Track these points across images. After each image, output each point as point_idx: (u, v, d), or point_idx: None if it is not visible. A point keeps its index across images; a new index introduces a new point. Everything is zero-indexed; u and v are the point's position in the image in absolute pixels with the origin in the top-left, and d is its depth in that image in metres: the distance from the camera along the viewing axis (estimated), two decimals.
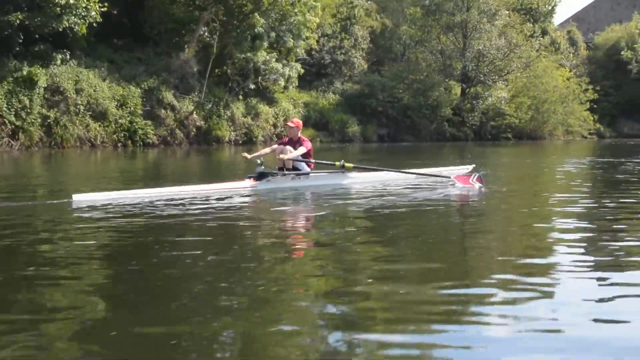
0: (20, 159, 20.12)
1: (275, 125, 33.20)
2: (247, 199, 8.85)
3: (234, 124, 30.96)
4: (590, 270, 4.45)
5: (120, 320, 3.35)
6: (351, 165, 10.13)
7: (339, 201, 8.62)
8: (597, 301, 3.69)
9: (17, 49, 24.27)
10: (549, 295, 3.82)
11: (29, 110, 23.40)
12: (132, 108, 27.22)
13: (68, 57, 25.81)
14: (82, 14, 25.11)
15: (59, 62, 25.47)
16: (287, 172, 9.84)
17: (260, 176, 9.56)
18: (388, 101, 37.67)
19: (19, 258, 4.91)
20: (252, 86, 31.40)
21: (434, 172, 11.28)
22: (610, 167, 16.14)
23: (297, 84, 36.20)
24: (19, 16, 22.95)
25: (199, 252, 5.04)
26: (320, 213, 7.60)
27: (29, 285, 4.06)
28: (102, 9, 25.41)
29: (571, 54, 57.98)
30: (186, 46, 29.80)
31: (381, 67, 41.59)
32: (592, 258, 4.92)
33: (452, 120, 39.99)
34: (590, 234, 5.97)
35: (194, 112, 29.20)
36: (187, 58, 29.70)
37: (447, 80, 41.33)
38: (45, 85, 24.44)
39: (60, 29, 24.57)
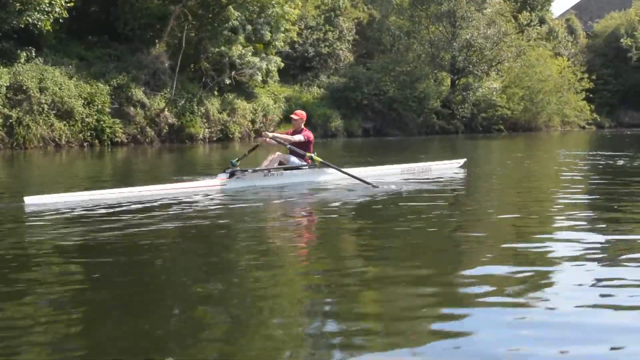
0: None
1: (253, 122, 32.45)
2: (214, 198, 8.58)
3: (209, 121, 30.23)
4: (580, 265, 4.49)
5: (71, 326, 3.33)
6: (319, 159, 10.00)
7: (309, 198, 8.71)
8: (590, 292, 3.81)
9: None
10: (539, 287, 3.93)
11: None
12: (99, 106, 26.55)
13: (33, 54, 25.13)
14: (46, 9, 24.40)
15: (22, 60, 24.81)
16: (258, 169, 9.82)
17: (231, 175, 9.49)
18: (374, 94, 36.85)
19: None
20: (228, 81, 30.64)
21: (415, 168, 11.93)
22: (595, 161, 15.65)
23: (278, 78, 35.50)
24: None
25: (151, 255, 5.01)
26: (287, 211, 7.58)
27: None
28: (69, 4, 24.74)
29: (569, 43, 56.92)
30: (156, 41, 29.01)
31: (370, 60, 40.74)
32: (577, 253, 4.87)
33: (441, 112, 39.13)
34: (571, 238, 5.58)
35: (166, 109, 28.47)
36: (158, 53, 29.00)
37: (436, 71, 40.40)
38: (8, 84, 23.77)
39: (22, 25, 23.87)
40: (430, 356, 2.93)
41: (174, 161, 20.40)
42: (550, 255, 4.80)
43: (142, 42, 30.21)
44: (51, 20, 24.77)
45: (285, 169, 10.07)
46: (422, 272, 4.41)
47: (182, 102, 29.33)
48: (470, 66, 40.75)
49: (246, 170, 9.65)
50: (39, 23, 24.62)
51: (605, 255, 4.83)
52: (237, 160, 9.86)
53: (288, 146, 10.12)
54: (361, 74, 37.57)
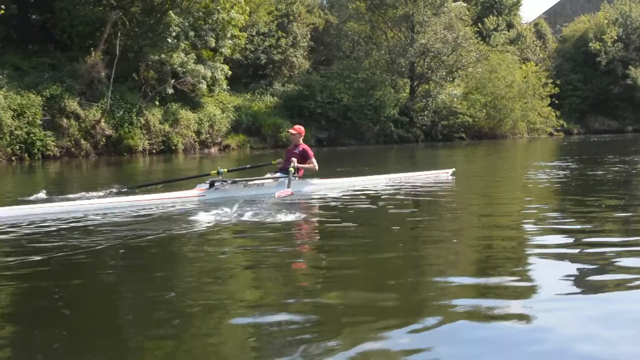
0: None
1: (199, 132, 31.66)
2: (191, 210, 8.59)
3: (149, 132, 29.43)
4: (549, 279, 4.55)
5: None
6: (292, 169, 10.25)
7: (291, 210, 8.68)
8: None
9: None
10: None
11: None
12: (30, 118, 25.72)
13: None
14: None
15: None
16: (237, 180, 10.05)
17: (210, 185, 9.64)
18: (327, 102, 36.20)
19: None
20: (170, 90, 29.84)
21: (402, 177, 12.40)
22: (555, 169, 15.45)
23: (227, 87, 34.83)
24: None
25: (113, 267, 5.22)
26: (265, 223, 7.57)
27: None
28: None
29: (538, 48, 56.71)
30: (92, 49, 28.21)
31: (327, 67, 40.12)
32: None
33: (399, 121, 38.55)
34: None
35: (102, 120, 27.67)
36: (94, 62, 28.18)
37: (394, 78, 39.85)
38: None
39: None
40: None
41: (108, 174, 19.68)
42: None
43: (81, 50, 29.41)
44: None
45: (266, 179, 10.42)
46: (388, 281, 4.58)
47: (120, 112, 28.50)
48: (429, 72, 40.22)
49: (225, 181, 9.76)
50: None
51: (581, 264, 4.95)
52: (226, 170, 10.03)
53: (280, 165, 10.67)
54: (315, 81, 36.93)
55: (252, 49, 37.33)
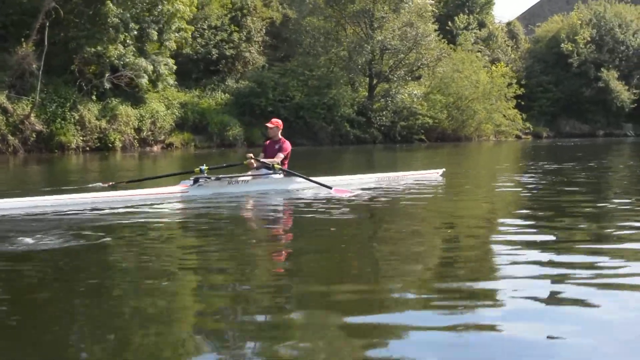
0: None
1: (139, 129, 30.77)
2: (172, 206, 8.86)
3: (84, 128, 28.51)
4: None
5: None
6: (278, 166, 10.38)
7: (270, 208, 9.18)
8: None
9: None
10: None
11: None
12: None
13: None
14: None
15: None
16: (221, 176, 10.08)
17: (194, 182, 9.68)
18: (279, 100, 35.43)
19: None
20: (108, 85, 28.94)
21: (391, 177, 12.49)
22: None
23: (175, 82, 34.00)
24: None
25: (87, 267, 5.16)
26: (242, 221, 7.93)
27: None
28: None
29: (509, 48, 56.29)
30: (22, 40, 27.27)
31: (281, 64, 39.29)
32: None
33: (355, 121, 37.81)
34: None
35: (32, 115, 26.72)
36: (25, 53, 27.23)
37: (352, 76, 39.11)
38: None
39: None
40: None
41: (42, 172, 19.02)
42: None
43: (17, 41, 28.41)
44: None
45: (253, 176, 10.43)
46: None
47: (53, 107, 27.59)
48: (387, 71, 39.55)
49: (209, 178, 9.80)
50: None
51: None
52: (207, 168, 9.98)
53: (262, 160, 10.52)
54: (267, 78, 36.13)
55: (203, 43, 36.43)
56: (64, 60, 29.04)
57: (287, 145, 10.68)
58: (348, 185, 10.81)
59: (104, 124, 29.41)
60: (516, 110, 46.12)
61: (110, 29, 28.99)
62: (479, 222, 7.98)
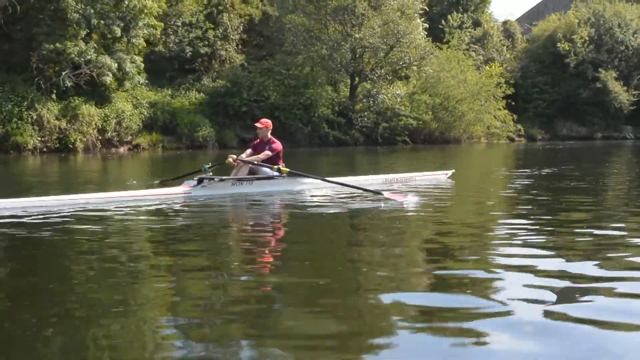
0: None
1: (103, 130, 29.97)
2: (173, 207, 8.84)
3: (42, 129, 27.73)
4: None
5: None
6: (287, 170, 10.30)
7: (276, 209, 9.13)
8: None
9: None
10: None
11: None
12: None
13: None
14: None
15: None
16: (225, 178, 10.02)
17: (199, 182, 9.69)
18: (254, 100, 34.57)
19: None
20: (69, 83, 28.15)
21: (399, 178, 12.24)
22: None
23: (145, 81, 33.29)
24: None
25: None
26: (249, 222, 7.95)
27: None
28: None
29: (505, 47, 55.26)
30: None
31: (257, 62, 38.45)
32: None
33: (335, 122, 36.88)
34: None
35: None
36: None
37: (332, 75, 38.20)
38: None
39: None
40: None
41: None
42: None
43: None
44: None
45: (257, 178, 10.35)
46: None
47: (9, 106, 26.87)
48: (368, 70, 38.63)
49: (213, 179, 9.78)
50: None
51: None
52: (210, 167, 10.05)
53: (255, 163, 10.42)
54: (242, 77, 35.29)
55: (177, 40, 35.62)
56: (25, 57, 28.33)
57: (278, 145, 10.66)
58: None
59: (64, 124, 28.61)
60: (506, 111, 44.97)
61: (71, 24, 28.22)
62: (474, 227, 7.55)
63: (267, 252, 5.99)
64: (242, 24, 39.05)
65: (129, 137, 31.47)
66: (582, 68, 52.63)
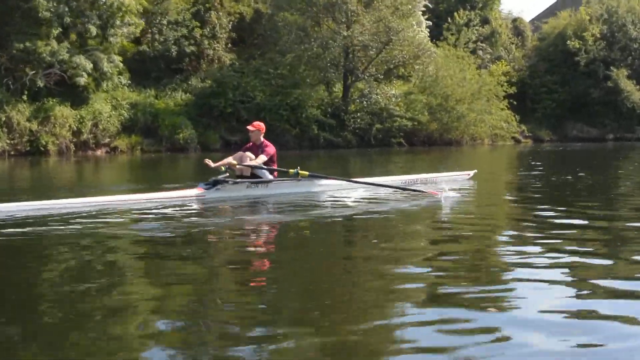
0: None
1: (79, 132, 29.23)
2: (189, 210, 8.80)
3: (12, 131, 27.06)
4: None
5: None
6: (306, 173, 10.21)
7: (293, 212, 8.88)
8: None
9: None
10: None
11: None
12: None
13: None
14: None
15: None
16: (239, 180, 9.96)
17: (214, 184, 9.65)
18: (240, 101, 33.66)
19: None
20: (41, 83, 27.48)
21: (419, 179, 12.08)
22: None
23: (127, 81, 32.55)
24: None
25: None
26: (265, 226, 7.92)
27: None
28: None
29: (514, 45, 53.90)
30: None
31: (244, 62, 37.57)
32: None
33: (326, 123, 35.82)
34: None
35: None
36: None
37: (323, 75, 37.13)
38: None
39: None
40: None
41: None
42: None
43: None
44: None
45: (269, 181, 10.28)
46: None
47: None
48: (360, 70, 37.53)
49: (227, 182, 9.74)
50: None
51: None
52: (225, 168, 10.07)
53: (264, 168, 10.26)
54: (228, 77, 34.40)
55: (162, 39, 34.81)
56: None
57: (271, 148, 10.55)
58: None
59: (35, 126, 27.91)
60: (509, 112, 43.60)
61: (43, 23, 27.56)
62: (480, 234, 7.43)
63: (277, 258, 6.02)
64: (231, 22, 38.15)
65: (107, 140, 30.72)
66: (593, 67, 51.05)
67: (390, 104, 37.83)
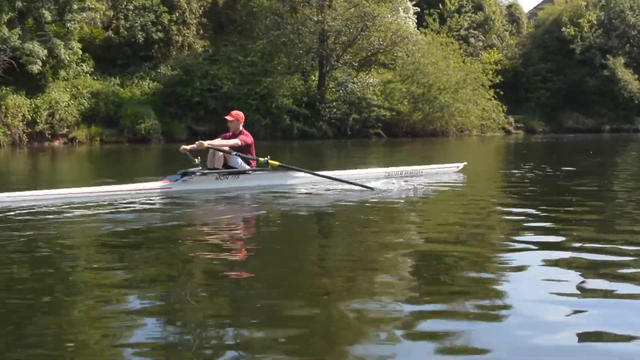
0: None
1: (34, 122, 28.19)
2: (151, 203, 8.44)
3: None
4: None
5: None
6: (276, 163, 9.85)
7: (265, 204, 8.56)
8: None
9: None
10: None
11: None
12: None
13: None
14: None
15: None
16: (207, 172, 9.57)
17: (183, 175, 9.32)
18: (208, 89, 32.51)
19: None
20: None
21: (403, 171, 11.80)
22: None
23: (90, 69, 31.52)
24: None
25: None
26: (223, 222, 7.48)
27: None
28: None
29: (507, 33, 52.47)
30: None
31: (214, 49, 36.41)
32: None
33: (300, 113, 34.62)
34: None
35: None
36: None
37: (298, 62, 35.90)
38: None
39: None
40: None
41: None
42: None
43: None
44: None
45: (244, 172, 9.91)
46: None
47: None
48: (334, 57, 36.27)
49: (194, 173, 9.35)
50: None
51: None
52: (198, 160, 9.50)
53: (233, 153, 9.77)
54: (195, 65, 33.26)
55: (127, 25, 33.65)
56: None
57: (249, 137, 10.13)
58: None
59: None
60: (497, 102, 42.20)
61: None
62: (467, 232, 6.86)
63: (242, 254, 5.68)
64: (202, 8, 36.95)
65: (65, 130, 29.68)
66: (589, 54, 49.61)
67: (368, 93, 36.55)
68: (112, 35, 33.69)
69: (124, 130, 30.82)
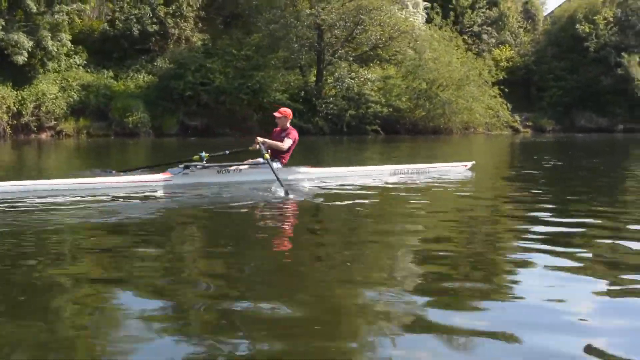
0: None
1: (19, 114, 28.04)
2: (151, 196, 8.49)
3: None
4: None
5: None
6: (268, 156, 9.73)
7: (258, 199, 8.40)
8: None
9: None
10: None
11: None
12: None
13: None
14: None
15: None
16: (209, 165, 9.55)
17: (184, 169, 9.33)
18: (201, 83, 32.13)
19: None
20: None
21: (411, 169, 11.73)
22: None
23: (83, 61, 31.34)
24: None
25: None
26: (214, 213, 7.32)
27: None
28: None
29: (522, 30, 51.44)
30: None
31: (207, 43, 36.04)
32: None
33: (295, 109, 34.01)
34: None
35: None
36: None
37: (293, 56, 35.42)
38: None
39: None
40: None
41: None
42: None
43: None
44: None
45: (247, 165, 9.94)
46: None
47: None
48: (330, 52, 35.68)
49: (196, 166, 9.37)
50: None
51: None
52: (209, 156, 9.57)
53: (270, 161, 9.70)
54: (188, 58, 32.91)
55: (123, 18, 33.41)
56: None
57: (295, 134, 10.29)
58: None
59: None
60: (502, 100, 41.28)
61: None
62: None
63: (243, 248, 5.60)
64: (200, 1, 36.54)
65: (52, 123, 29.50)
66: (604, 52, 48.39)
67: (366, 89, 35.91)
68: (107, 28, 33.47)
69: (112, 124, 30.56)
